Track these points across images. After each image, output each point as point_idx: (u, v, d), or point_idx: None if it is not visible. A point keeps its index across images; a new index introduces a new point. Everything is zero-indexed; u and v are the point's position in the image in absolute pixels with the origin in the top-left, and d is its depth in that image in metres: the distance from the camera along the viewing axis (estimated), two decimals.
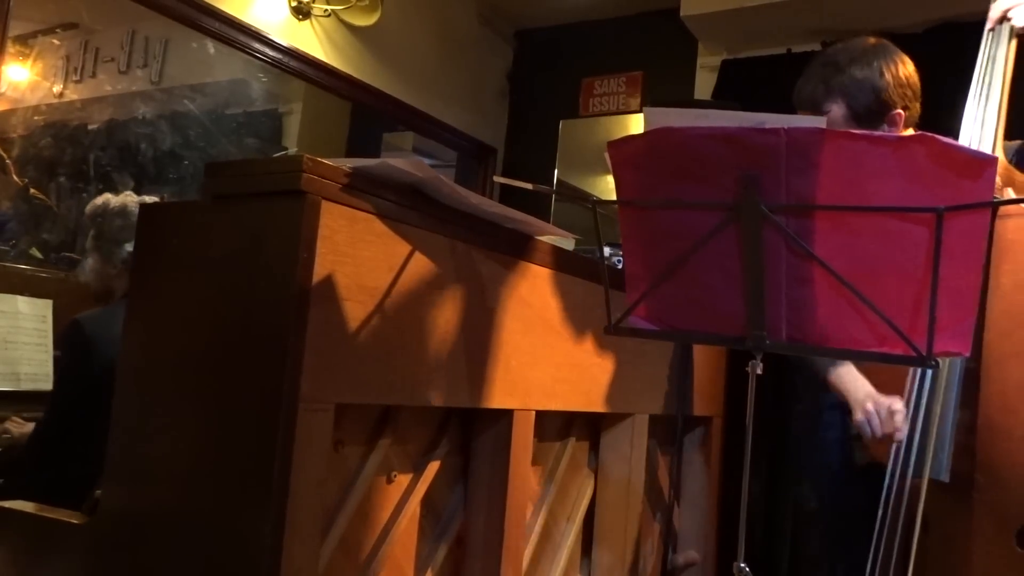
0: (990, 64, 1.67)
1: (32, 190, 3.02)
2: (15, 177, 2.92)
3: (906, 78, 1.78)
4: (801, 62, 3.39)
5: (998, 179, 1.65)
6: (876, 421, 1.57)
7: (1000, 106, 1.65)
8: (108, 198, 2.23)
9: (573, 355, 1.67)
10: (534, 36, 4.43)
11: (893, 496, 1.58)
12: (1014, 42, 1.68)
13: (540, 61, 4.39)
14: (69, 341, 2.06)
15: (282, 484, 1.07)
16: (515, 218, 1.47)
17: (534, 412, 1.57)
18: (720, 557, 2.24)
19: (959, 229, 0.96)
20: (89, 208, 2.26)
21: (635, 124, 3.98)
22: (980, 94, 1.66)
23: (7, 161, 2.89)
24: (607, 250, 2.01)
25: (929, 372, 1.58)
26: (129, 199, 2.21)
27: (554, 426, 1.78)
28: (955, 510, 1.58)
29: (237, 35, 3.15)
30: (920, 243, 0.97)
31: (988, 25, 1.70)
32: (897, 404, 1.58)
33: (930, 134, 0.95)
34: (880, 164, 0.96)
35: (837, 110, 1.78)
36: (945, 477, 1.57)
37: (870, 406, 1.59)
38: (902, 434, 1.58)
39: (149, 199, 2.24)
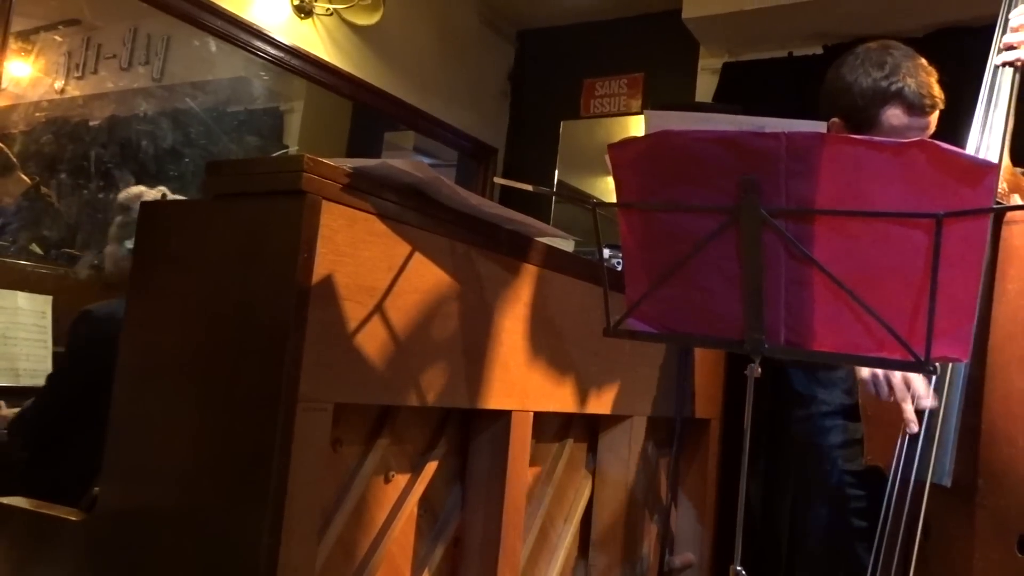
0: (997, 77, 1.66)
1: (44, 189, 3.02)
2: (23, 175, 2.93)
3: (848, 85, 1.75)
4: (802, 66, 3.43)
5: (1004, 185, 1.65)
6: (884, 387, 1.54)
7: (1008, 113, 1.64)
8: (143, 190, 2.25)
9: (572, 356, 1.67)
10: (536, 36, 4.43)
11: (895, 500, 1.58)
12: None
13: (541, 62, 4.39)
14: (79, 329, 2.07)
15: (280, 483, 1.07)
16: (515, 219, 1.47)
17: (532, 413, 1.57)
18: (717, 560, 2.24)
19: (958, 235, 0.96)
20: (123, 196, 2.28)
21: (636, 126, 3.99)
22: (987, 100, 1.66)
23: (14, 160, 2.90)
24: (607, 252, 2.01)
25: (933, 377, 1.58)
26: (159, 193, 2.23)
27: (552, 427, 1.79)
28: (957, 515, 1.58)
29: (239, 33, 3.15)
30: (919, 248, 0.98)
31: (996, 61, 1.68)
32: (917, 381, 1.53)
33: (930, 140, 0.95)
34: (880, 169, 0.96)
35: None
36: (947, 482, 1.56)
37: (880, 371, 1.54)
38: (927, 401, 1.53)
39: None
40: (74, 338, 2.12)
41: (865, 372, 1.58)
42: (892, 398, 1.55)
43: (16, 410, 2.27)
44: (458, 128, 4.15)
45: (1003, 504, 1.54)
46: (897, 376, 1.53)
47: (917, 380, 1.55)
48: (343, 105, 3.99)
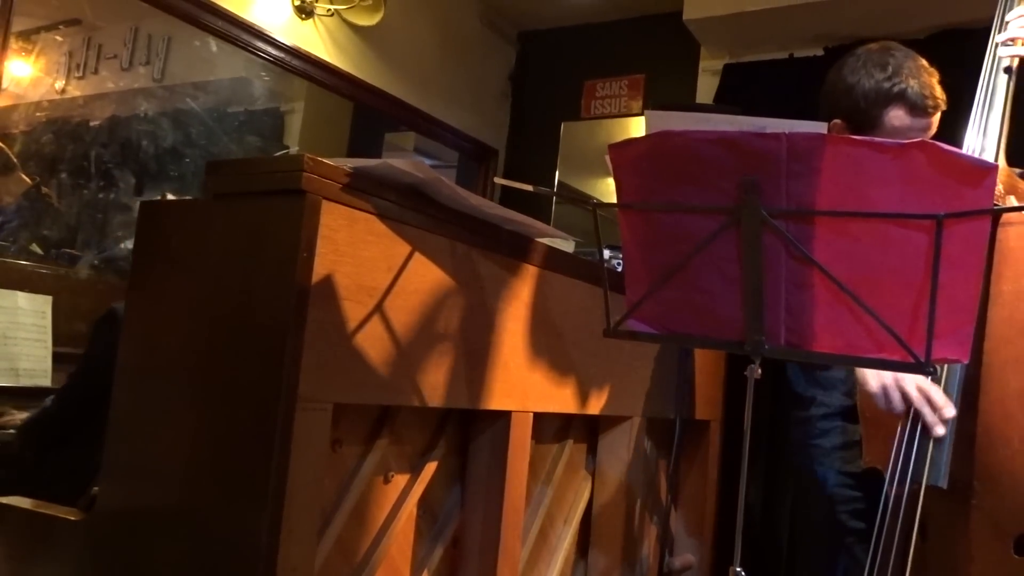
0: (992, 79, 1.66)
1: (44, 189, 3.02)
2: (23, 175, 2.93)
3: (850, 86, 1.75)
4: (803, 67, 3.43)
5: (1001, 186, 1.65)
6: (896, 397, 1.53)
7: (1003, 115, 1.64)
8: (167, 196, 2.28)
9: (572, 357, 1.67)
10: (536, 38, 4.43)
11: (891, 502, 1.58)
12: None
13: (542, 63, 4.39)
14: (102, 329, 2.06)
15: (279, 483, 1.07)
16: (515, 220, 1.47)
17: (532, 414, 1.57)
18: (716, 561, 2.24)
19: (959, 236, 0.96)
20: None
21: (636, 127, 3.99)
22: (983, 102, 1.66)
23: (14, 159, 2.90)
24: (607, 252, 2.01)
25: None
26: None
27: (552, 428, 1.78)
28: (953, 517, 1.58)
29: (240, 33, 3.15)
30: (920, 250, 0.98)
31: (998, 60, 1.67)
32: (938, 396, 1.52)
33: (931, 141, 0.95)
34: (881, 170, 0.96)
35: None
36: (943, 484, 1.56)
37: (890, 381, 1.54)
38: (949, 411, 1.52)
39: None
40: (96, 338, 2.11)
41: (874, 385, 1.57)
42: (902, 409, 1.54)
43: (25, 414, 2.26)
44: (459, 129, 4.15)
45: (999, 505, 1.54)
46: (912, 386, 1.53)
47: (934, 391, 1.54)
48: (344, 106, 3.99)
